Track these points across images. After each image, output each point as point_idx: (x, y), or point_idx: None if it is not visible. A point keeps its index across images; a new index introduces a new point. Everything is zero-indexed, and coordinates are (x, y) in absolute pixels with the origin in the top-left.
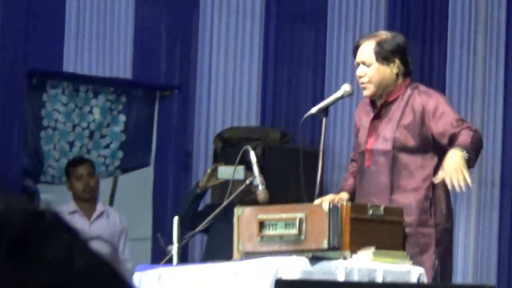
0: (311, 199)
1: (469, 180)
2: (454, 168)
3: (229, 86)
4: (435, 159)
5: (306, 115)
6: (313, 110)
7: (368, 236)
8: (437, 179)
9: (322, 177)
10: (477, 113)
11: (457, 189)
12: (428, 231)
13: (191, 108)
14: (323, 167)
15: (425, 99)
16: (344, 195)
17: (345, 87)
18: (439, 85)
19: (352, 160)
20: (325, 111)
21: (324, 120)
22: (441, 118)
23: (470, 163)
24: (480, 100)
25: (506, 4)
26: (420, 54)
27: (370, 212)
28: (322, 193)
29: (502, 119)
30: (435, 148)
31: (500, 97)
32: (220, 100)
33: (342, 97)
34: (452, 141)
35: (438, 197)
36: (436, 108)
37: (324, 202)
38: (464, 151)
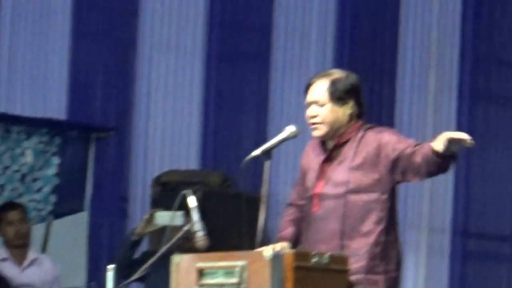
0: (253, 247)
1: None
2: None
3: (168, 127)
4: (389, 202)
5: (248, 157)
6: (256, 152)
7: (312, 285)
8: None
9: (265, 224)
10: None
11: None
12: (377, 278)
13: (128, 151)
14: (266, 213)
15: (379, 136)
16: (284, 245)
17: (290, 128)
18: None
19: (290, 205)
20: (268, 153)
21: (267, 163)
22: (399, 143)
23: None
24: None
25: (460, 43)
26: (368, 96)
27: (314, 260)
28: (264, 240)
29: None
30: (389, 189)
31: None
32: (159, 142)
33: (286, 139)
34: (412, 158)
35: (390, 242)
36: (390, 138)
37: (266, 250)
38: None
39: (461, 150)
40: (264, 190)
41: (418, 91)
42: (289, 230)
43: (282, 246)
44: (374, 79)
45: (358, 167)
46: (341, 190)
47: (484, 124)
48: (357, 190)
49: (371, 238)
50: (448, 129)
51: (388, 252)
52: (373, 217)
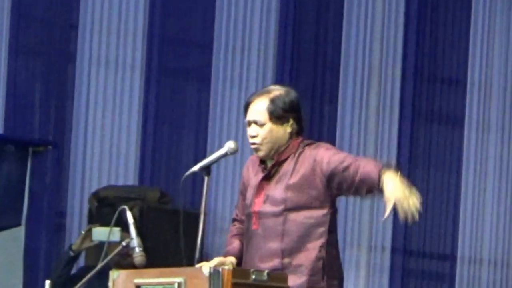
0: (191, 263)
1: (417, 203)
2: (399, 195)
3: (106, 142)
4: (329, 216)
5: (187, 173)
6: (195, 168)
7: None
8: (386, 213)
9: (203, 240)
10: None
11: (410, 220)
12: None
13: (66, 165)
14: (204, 230)
15: (314, 151)
16: (233, 259)
17: (229, 144)
18: None
19: (234, 220)
20: (207, 169)
21: (206, 179)
22: (333, 157)
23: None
24: None
25: (401, 59)
26: (309, 114)
27: (253, 277)
28: (202, 257)
29: None
30: (329, 203)
31: (393, 158)
32: (97, 158)
33: (226, 155)
34: (348, 173)
35: (332, 257)
36: (326, 153)
37: (204, 266)
38: (391, 168)
39: (403, 166)
40: (202, 206)
41: (360, 109)
42: (234, 245)
43: (221, 261)
44: (315, 97)
45: (296, 185)
46: (279, 208)
47: (426, 142)
48: (295, 208)
49: (312, 254)
50: (389, 148)
51: (330, 267)
52: (313, 233)
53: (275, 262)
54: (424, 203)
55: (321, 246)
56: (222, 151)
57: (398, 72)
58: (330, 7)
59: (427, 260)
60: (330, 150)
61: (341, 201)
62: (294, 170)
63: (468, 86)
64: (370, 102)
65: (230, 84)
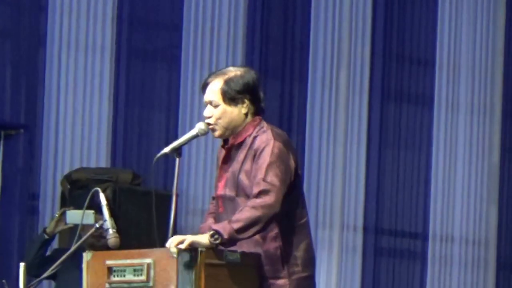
0: (164, 244)
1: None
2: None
3: (77, 125)
4: (282, 205)
5: (159, 155)
6: (166, 149)
7: (224, 281)
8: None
9: (176, 221)
10: (339, 155)
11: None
12: (282, 282)
13: (38, 148)
14: (176, 210)
15: (262, 144)
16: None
17: (200, 125)
18: (299, 127)
19: (213, 198)
20: (178, 151)
21: (177, 160)
22: (257, 169)
23: (225, 245)
24: (342, 141)
25: (370, 39)
26: (279, 94)
27: (226, 257)
28: None
29: (365, 161)
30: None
31: (363, 139)
32: (68, 140)
33: (197, 136)
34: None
35: (294, 244)
36: (260, 156)
37: (172, 247)
38: (217, 238)
39: (373, 148)
40: (174, 187)
41: (329, 89)
42: (208, 222)
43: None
44: (285, 77)
45: (247, 172)
46: (233, 193)
47: (395, 122)
48: (245, 194)
49: (268, 244)
50: (359, 128)
51: (292, 254)
52: None
53: (235, 247)
54: (395, 182)
55: (275, 236)
56: (192, 132)
57: (367, 52)
58: None
59: (399, 239)
60: (264, 156)
61: (312, 181)
62: (247, 156)
63: (437, 66)
64: (340, 82)
65: (200, 65)
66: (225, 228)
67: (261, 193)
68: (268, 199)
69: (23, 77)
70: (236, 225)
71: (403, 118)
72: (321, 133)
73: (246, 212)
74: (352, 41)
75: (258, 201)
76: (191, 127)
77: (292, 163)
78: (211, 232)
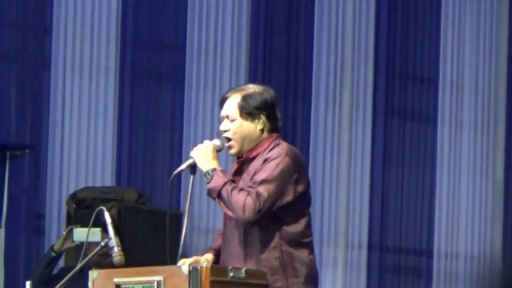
0: (170, 262)
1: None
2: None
3: (82, 145)
4: (284, 218)
5: (175, 172)
6: (182, 166)
7: None
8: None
9: (186, 239)
10: (343, 173)
11: None
12: None
13: (43, 168)
14: (187, 228)
15: (273, 155)
16: (209, 256)
17: (215, 142)
18: (303, 145)
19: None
20: (193, 168)
21: (191, 178)
22: (259, 172)
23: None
24: (346, 160)
25: (373, 58)
26: (283, 114)
27: (231, 274)
28: (182, 255)
29: (369, 179)
30: (283, 206)
31: (367, 157)
32: (74, 160)
33: None
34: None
35: (294, 256)
36: (266, 165)
37: (184, 264)
38: (208, 178)
39: (377, 166)
40: (187, 204)
41: (333, 108)
42: (217, 242)
43: (196, 260)
44: (289, 96)
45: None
46: None
47: (399, 140)
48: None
49: (268, 254)
50: (363, 146)
51: (291, 265)
52: (265, 235)
53: (240, 259)
54: (400, 199)
55: (275, 247)
56: None
57: (371, 71)
58: (301, 8)
59: (404, 256)
60: (268, 166)
61: (317, 199)
62: (259, 168)
63: (440, 84)
64: (343, 101)
65: (203, 85)
66: (217, 182)
67: (251, 193)
68: (252, 205)
69: (28, 98)
70: (225, 193)
71: (407, 136)
72: (325, 152)
73: (242, 195)
74: (355, 60)
75: (249, 199)
76: (195, 146)
77: (291, 185)
78: (211, 169)
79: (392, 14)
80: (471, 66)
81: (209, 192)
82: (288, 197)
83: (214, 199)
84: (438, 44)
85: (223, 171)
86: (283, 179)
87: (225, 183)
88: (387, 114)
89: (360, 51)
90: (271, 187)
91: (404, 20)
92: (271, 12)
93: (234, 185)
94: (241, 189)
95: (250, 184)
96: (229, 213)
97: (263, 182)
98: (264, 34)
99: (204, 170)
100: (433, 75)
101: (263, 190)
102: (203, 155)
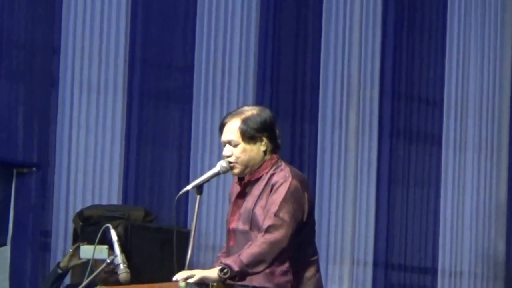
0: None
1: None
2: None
3: (89, 163)
4: (294, 241)
5: (181, 192)
6: (188, 187)
7: None
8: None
9: (192, 257)
10: (349, 192)
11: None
12: None
13: (50, 186)
14: (193, 246)
15: (280, 180)
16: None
17: (222, 163)
18: (310, 165)
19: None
20: (200, 188)
21: (198, 197)
22: (271, 203)
23: (234, 279)
24: (352, 179)
25: (379, 79)
26: (290, 134)
27: None
28: None
29: (375, 198)
30: (300, 225)
31: (373, 177)
32: (80, 178)
33: (218, 174)
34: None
35: (305, 279)
36: (276, 191)
37: (181, 280)
38: (226, 272)
39: (382, 185)
40: (194, 223)
41: (339, 128)
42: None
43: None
44: (295, 117)
45: (262, 206)
46: (247, 227)
47: (404, 160)
48: (259, 228)
49: (278, 278)
50: (369, 166)
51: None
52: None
53: (246, 282)
54: (405, 218)
55: (286, 271)
56: (214, 170)
57: (376, 92)
58: (309, 29)
59: (409, 274)
60: (279, 193)
61: (323, 217)
62: (263, 192)
63: (445, 105)
64: (350, 121)
65: (211, 105)
66: (235, 261)
67: (270, 227)
68: (278, 234)
69: (36, 116)
70: (246, 260)
71: (412, 156)
72: (332, 172)
73: (255, 247)
74: (361, 81)
75: (268, 236)
76: (203, 165)
77: (306, 203)
78: (221, 266)
79: (398, 36)
80: (475, 88)
81: (244, 275)
82: (305, 215)
83: (257, 272)
84: (443, 66)
85: (221, 263)
86: (297, 200)
87: (240, 256)
88: (393, 135)
89: (366, 73)
90: (289, 208)
91: (409, 42)
92: (279, 33)
93: (246, 251)
94: (251, 244)
95: (267, 214)
96: (272, 261)
97: (281, 206)
98: (271, 55)
99: (217, 276)
100: (438, 96)
101: (283, 214)
102: (200, 273)
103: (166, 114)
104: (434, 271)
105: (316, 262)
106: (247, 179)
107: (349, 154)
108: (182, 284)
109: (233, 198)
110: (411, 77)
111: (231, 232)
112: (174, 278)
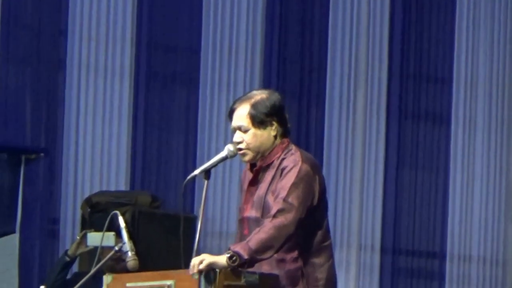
0: (187, 266)
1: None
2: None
3: (97, 149)
4: (308, 223)
5: (189, 177)
6: (196, 172)
7: None
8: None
9: (200, 243)
10: (356, 175)
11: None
12: None
13: (58, 172)
14: (201, 232)
15: (290, 164)
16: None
17: (229, 147)
18: (317, 147)
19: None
20: (207, 173)
21: (205, 183)
22: (280, 188)
23: (244, 266)
24: (359, 162)
25: (387, 61)
26: (296, 115)
27: (244, 279)
28: None
29: (382, 182)
30: (311, 210)
31: (380, 158)
32: (88, 164)
33: (226, 158)
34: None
35: (316, 265)
36: (286, 176)
37: (194, 268)
38: (235, 260)
39: (390, 167)
40: (201, 208)
41: (347, 109)
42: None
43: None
44: (302, 98)
45: (273, 192)
46: (259, 214)
47: (413, 141)
48: (268, 216)
49: (287, 265)
50: (377, 148)
51: (312, 275)
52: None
53: (255, 269)
54: (413, 201)
55: (295, 257)
56: (222, 155)
57: (385, 72)
58: (316, 10)
59: (417, 259)
60: (289, 177)
61: (330, 201)
62: (274, 178)
63: (454, 84)
64: (357, 102)
65: (218, 88)
66: (244, 249)
67: (279, 212)
68: (285, 219)
69: (43, 102)
70: (255, 246)
71: (420, 137)
72: (339, 153)
73: (263, 233)
74: (369, 61)
75: (275, 221)
76: (210, 149)
77: (317, 187)
78: (230, 254)
79: (406, 15)
80: (485, 66)
81: (254, 261)
82: (316, 199)
83: (265, 258)
84: (453, 44)
85: (230, 249)
86: (307, 185)
87: (248, 242)
88: (401, 116)
89: (374, 53)
90: (299, 193)
91: (418, 21)
92: (286, 15)
93: (254, 237)
94: (259, 230)
95: (276, 199)
96: (281, 246)
97: (290, 191)
98: (278, 36)
99: (225, 263)
100: (447, 75)
101: (292, 199)
102: (209, 258)
103: (172, 97)
104: (442, 256)
105: (328, 248)
106: (258, 165)
107: (356, 135)
108: (195, 271)
109: (245, 186)
110: (419, 57)
111: (245, 221)
112: (190, 266)
